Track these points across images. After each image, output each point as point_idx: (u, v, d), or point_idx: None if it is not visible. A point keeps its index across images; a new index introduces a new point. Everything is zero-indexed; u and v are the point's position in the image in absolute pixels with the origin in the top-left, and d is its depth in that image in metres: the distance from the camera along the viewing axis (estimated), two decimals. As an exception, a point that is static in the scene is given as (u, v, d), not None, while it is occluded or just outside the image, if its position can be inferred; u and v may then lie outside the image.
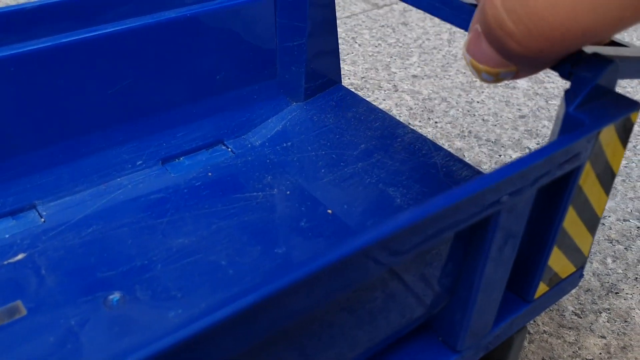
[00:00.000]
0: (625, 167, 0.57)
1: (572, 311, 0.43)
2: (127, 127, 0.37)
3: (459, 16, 0.31)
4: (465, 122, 0.62)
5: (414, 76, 0.70)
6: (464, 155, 0.57)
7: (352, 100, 0.41)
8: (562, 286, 0.31)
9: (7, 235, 0.32)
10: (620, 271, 0.46)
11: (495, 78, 0.25)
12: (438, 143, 0.43)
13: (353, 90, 0.48)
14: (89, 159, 0.36)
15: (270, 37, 0.40)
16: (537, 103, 0.66)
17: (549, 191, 0.26)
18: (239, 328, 0.17)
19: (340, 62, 0.43)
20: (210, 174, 0.37)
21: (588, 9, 0.20)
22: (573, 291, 0.45)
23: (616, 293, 0.45)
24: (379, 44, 0.76)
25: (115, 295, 0.29)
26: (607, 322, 0.43)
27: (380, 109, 0.40)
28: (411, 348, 0.28)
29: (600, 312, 0.43)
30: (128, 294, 0.30)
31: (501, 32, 0.22)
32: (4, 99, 0.33)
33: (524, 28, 0.21)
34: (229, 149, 0.39)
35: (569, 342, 0.41)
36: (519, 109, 0.64)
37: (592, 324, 0.43)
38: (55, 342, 0.27)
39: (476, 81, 0.69)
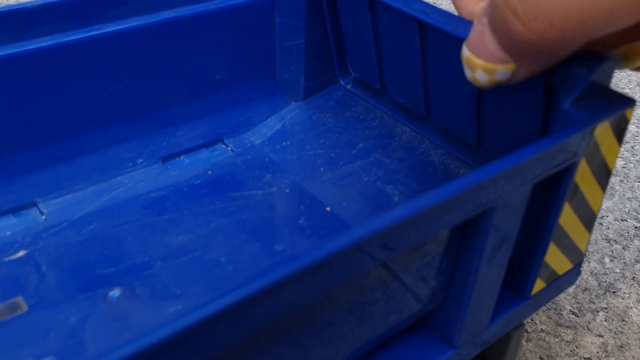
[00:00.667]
0: (624, 167, 0.57)
1: (570, 310, 0.44)
2: (128, 126, 0.37)
3: None
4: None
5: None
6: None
7: (351, 99, 0.41)
8: (559, 283, 0.31)
9: (8, 233, 0.32)
10: (617, 270, 0.47)
11: (490, 77, 0.25)
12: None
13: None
14: (90, 157, 0.36)
15: (269, 36, 0.40)
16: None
17: (545, 188, 0.26)
18: (233, 321, 0.17)
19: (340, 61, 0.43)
20: (210, 172, 0.37)
21: None
22: (570, 290, 0.45)
23: (614, 292, 0.45)
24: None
25: (116, 292, 0.30)
26: (605, 321, 0.43)
27: (378, 109, 0.40)
28: (408, 344, 0.28)
29: (598, 311, 0.43)
30: (128, 291, 0.30)
31: (507, 10, 0.22)
32: (5, 97, 0.33)
33: (529, 7, 0.21)
34: (229, 148, 0.39)
35: (567, 341, 0.41)
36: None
37: (589, 322, 0.43)
38: (55, 338, 0.28)
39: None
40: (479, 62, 0.24)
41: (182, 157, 0.38)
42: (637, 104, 0.66)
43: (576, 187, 0.27)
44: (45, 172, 0.35)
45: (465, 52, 0.25)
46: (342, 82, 0.42)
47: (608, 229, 0.50)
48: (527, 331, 0.42)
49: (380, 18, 0.35)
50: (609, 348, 0.41)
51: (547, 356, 0.40)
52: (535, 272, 0.29)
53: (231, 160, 0.38)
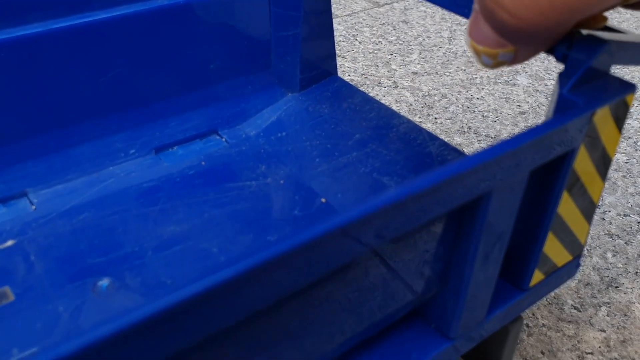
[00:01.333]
0: (626, 162, 0.57)
1: (572, 305, 0.43)
2: (120, 116, 0.36)
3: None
4: (465, 118, 0.62)
5: (414, 73, 0.70)
6: (463, 151, 0.57)
7: (348, 91, 0.40)
8: (558, 275, 0.30)
9: (-3, 222, 0.32)
10: (620, 265, 0.46)
11: (494, 61, 0.24)
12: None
13: (350, 83, 0.48)
14: (81, 148, 0.35)
15: (264, 26, 0.40)
16: (537, 100, 0.65)
17: (544, 175, 0.25)
18: (220, 302, 0.16)
19: (341, 59, 0.43)
20: (203, 163, 0.37)
21: None
22: (572, 285, 0.44)
23: (616, 287, 0.44)
24: (379, 42, 0.76)
25: (105, 282, 0.29)
26: (607, 316, 0.42)
27: (376, 100, 0.39)
28: (404, 335, 0.27)
29: (600, 306, 0.43)
30: (117, 281, 0.29)
31: (492, 3, 0.21)
32: (-5, 85, 0.33)
33: None
34: (223, 139, 0.39)
35: (569, 336, 0.41)
36: (519, 106, 0.64)
37: (591, 317, 0.42)
38: (42, 328, 0.27)
39: (476, 78, 0.69)
40: (480, 47, 0.24)
41: (175, 148, 0.38)
42: (639, 100, 0.66)
43: (575, 175, 0.26)
44: (35, 162, 0.35)
45: (467, 38, 0.25)
46: (338, 74, 0.41)
47: (610, 224, 0.50)
48: (528, 326, 0.41)
49: None
50: (612, 343, 0.40)
51: (549, 351, 0.40)
52: (533, 263, 0.28)
53: (225, 152, 0.37)
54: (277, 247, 0.17)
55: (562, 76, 0.25)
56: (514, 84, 0.68)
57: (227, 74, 0.39)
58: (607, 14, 0.25)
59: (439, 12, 0.86)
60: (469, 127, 0.60)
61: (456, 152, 0.35)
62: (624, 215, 0.50)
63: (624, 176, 0.55)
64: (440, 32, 0.79)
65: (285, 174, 0.36)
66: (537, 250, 0.28)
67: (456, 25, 0.82)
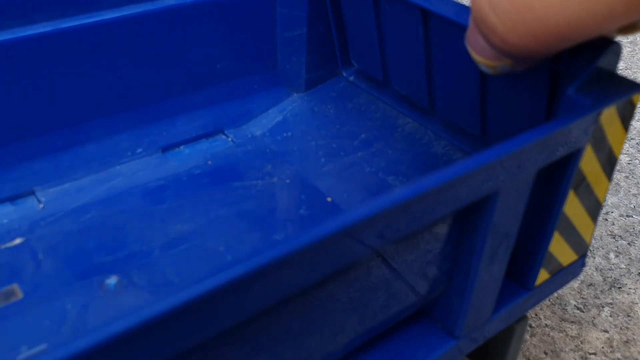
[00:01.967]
0: (629, 164, 0.57)
1: (575, 305, 0.43)
2: (127, 115, 0.37)
3: None
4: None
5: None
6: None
7: (353, 91, 0.41)
8: (563, 274, 0.30)
9: (5, 221, 0.32)
10: (623, 266, 0.46)
11: (493, 71, 0.24)
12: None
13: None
14: (89, 146, 0.36)
15: (271, 27, 0.40)
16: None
17: (550, 174, 0.26)
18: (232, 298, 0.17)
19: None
20: (210, 162, 0.37)
21: (576, 1, 0.19)
22: (575, 285, 0.44)
23: (619, 288, 0.44)
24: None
25: (112, 280, 0.29)
26: (610, 316, 0.42)
27: (381, 100, 0.40)
28: (410, 334, 0.28)
29: (603, 307, 0.43)
30: (125, 279, 0.29)
31: (485, 28, 0.21)
32: (2, 84, 0.33)
33: (509, 23, 0.20)
34: (229, 139, 0.39)
35: (571, 336, 0.41)
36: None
37: (594, 318, 0.42)
38: (50, 325, 0.27)
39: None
40: (479, 58, 0.24)
41: (181, 147, 0.38)
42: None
43: (581, 175, 0.26)
44: (43, 161, 0.35)
45: (467, 46, 0.25)
46: (344, 74, 0.41)
47: (613, 224, 0.50)
48: (531, 326, 0.41)
49: (383, 8, 0.34)
50: (614, 343, 0.40)
51: (552, 351, 0.40)
52: (539, 262, 0.28)
53: (231, 151, 0.38)
54: (285, 246, 0.17)
55: (569, 76, 0.25)
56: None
57: (233, 74, 0.39)
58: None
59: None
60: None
61: (461, 152, 0.35)
62: (627, 216, 0.51)
63: (626, 177, 0.55)
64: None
65: (291, 173, 0.36)
66: (542, 249, 0.28)
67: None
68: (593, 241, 0.48)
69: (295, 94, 0.41)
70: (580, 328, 0.41)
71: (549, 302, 0.43)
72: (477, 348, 0.29)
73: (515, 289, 0.29)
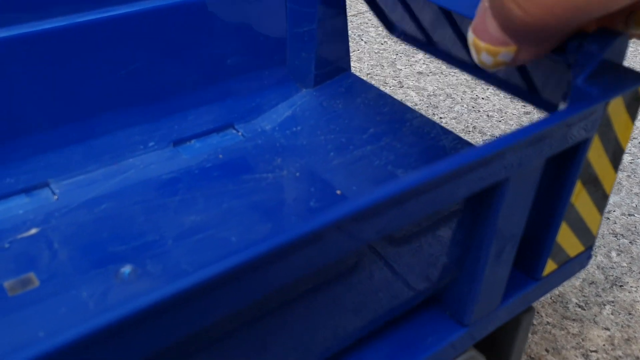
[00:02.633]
0: (631, 162, 0.57)
1: (576, 303, 0.43)
2: (139, 109, 0.37)
3: None
4: (470, 118, 0.63)
5: (419, 73, 0.70)
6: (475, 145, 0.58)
7: (362, 86, 0.41)
8: (570, 265, 0.31)
9: (20, 211, 0.33)
10: (624, 265, 0.47)
11: (494, 60, 0.25)
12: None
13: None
14: (102, 139, 0.36)
15: (280, 22, 0.40)
16: (543, 100, 0.66)
17: (558, 164, 0.26)
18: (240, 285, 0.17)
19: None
20: (220, 156, 0.37)
21: None
22: (577, 283, 0.45)
23: (620, 286, 0.45)
24: (384, 42, 0.77)
25: (127, 269, 0.30)
26: (611, 314, 0.43)
27: (389, 95, 0.40)
28: (419, 322, 0.28)
29: (605, 305, 0.43)
30: (139, 268, 0.30)
31: None
32: (18, 78, 0.33)
33: None
34: (239, 133, 0.39)
35: (573, 334, 0.41)
36: (524, 106, 0.65)
37: (596, 316, 0.43)
38: (66, 313, 0.28)
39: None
40: (482, 44, 0.25)
41: (192, 141, 0.38)
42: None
43: (589, 165, 0.27)
44: (57, 153, 0.35)
45: (470, 35, 0.25)
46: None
47: (615, 223, 0.50)
48: (532, 323, 0.42)
49: None
50: (616, 341, 0.41)
51: (553, 348, 0.40)
52: (546, 252, 0.29)
53: (242, 145, 0.38)
54: (296, 230, 0.17)
55: (576, 67, 0.26)
56: (520, 85, 0.69)
57: (243, 69, 0.40)
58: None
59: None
60: (474, 127, 0.61)
61: (469, 145, 0.36)
62: (629, 214, 0.51)
63: (628, 176, 0.56)
64: (445, 34, 0.80)
65: (300, 166, 0.37)
66: (550, 239, 0.28)
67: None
68: (599, 228, 0.48)
69: (304, 90, 0.42)
70: (582, 326, 0.42)
71: (550, 300, 0.44)
72: (483, 340, 0.30)
73: (522, 279, 0.30)
